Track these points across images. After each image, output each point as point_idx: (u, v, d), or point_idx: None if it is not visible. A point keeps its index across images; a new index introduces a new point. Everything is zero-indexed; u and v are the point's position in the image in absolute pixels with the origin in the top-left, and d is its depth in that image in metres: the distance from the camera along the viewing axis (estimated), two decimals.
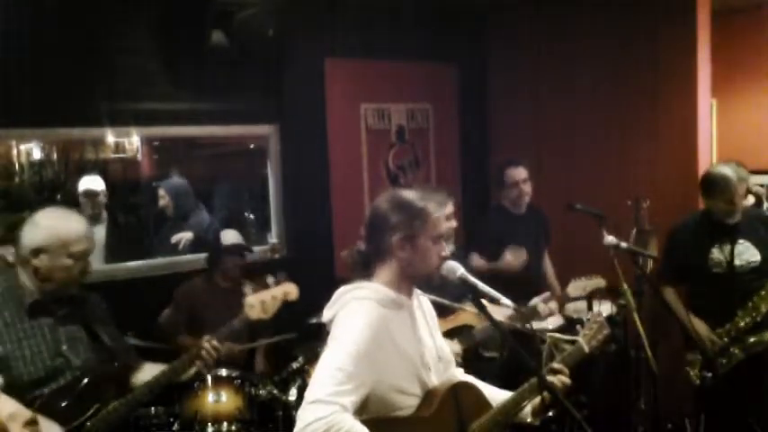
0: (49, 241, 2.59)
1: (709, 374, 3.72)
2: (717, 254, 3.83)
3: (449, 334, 3.33)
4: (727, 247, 3.82)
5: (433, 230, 2.18)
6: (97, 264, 4.49)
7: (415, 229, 2.16)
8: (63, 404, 2.53)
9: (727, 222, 3.83)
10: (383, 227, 2.19)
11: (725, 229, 3.83)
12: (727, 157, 5.22)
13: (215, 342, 2.77)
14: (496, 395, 2.39)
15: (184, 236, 4.81)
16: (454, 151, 5.83)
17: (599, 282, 3.96)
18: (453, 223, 3.55)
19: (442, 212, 2.27)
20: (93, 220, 4.59)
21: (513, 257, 4.20)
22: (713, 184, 3.79)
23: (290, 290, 2.82)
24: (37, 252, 2.59)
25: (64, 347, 2.64)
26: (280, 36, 4.55)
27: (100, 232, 4.64)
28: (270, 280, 2.95)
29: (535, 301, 3.80)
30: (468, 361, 3.31)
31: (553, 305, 3.85)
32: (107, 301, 2.97)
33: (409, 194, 2.25)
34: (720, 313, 3.82)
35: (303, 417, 1.92)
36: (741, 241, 3.82)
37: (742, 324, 3.77)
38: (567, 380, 2.37)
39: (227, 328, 2.81)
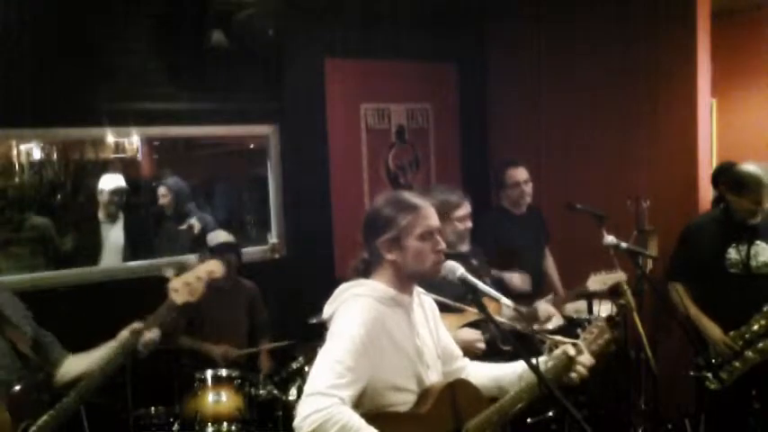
0: None
1: (709, 374, 3.71)
2: (734, 254, 3.72)
3: (470, 326, 3.27)
4: (745, 248, 3.71)
5: (421, 225, 2.16)
6: (115, 263, 4.54)
7: (400, 229, 2.15)
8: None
9: (748, 223, 3.72)
10: (373, 230, 2.20)
11: (744, 229, 3.72)
12: (727, 157, 5.24)
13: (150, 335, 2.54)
14: (505, 374, 2.39)
15: (193, 223, 4.81)
16: (454, 151, 5.83)
17: (620, 276, 3.69)
18: (468, 224, 3.52)
19: (431, 207, 2.23)
20: (111, 219, 4.61)
21: (520, 282, 4.10)
22: (744, 183, 3.66)
23: (214, 267, 2.59)
24: None
25: None
26: (280, 36, 4.56)
27: (117, 232, 4.66)
28: (192, 260, 2.71)
29: (538, 304, 3.73)
30: (487, 355, 3.26)
31: (552, 309, 3.77)
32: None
33: (400, 192, 2.26)
34: (735, 315, 3.69)
35: (302, 409, 1.93)
36: (758, 242, 3.71)
37: (756, 327, 3.64)
38: (590, 360, 2.34)
39: (154, 316, 2.56)
